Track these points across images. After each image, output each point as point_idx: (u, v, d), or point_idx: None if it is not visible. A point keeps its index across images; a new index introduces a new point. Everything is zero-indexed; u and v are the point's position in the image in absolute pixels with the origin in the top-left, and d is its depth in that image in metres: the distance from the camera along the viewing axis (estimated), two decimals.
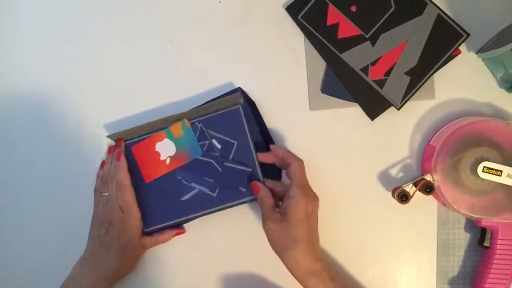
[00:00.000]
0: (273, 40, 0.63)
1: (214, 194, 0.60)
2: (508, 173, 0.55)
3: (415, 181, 0.59)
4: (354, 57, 0.62)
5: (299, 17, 0.62)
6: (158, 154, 0.61)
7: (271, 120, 0.63)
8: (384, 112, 0.62)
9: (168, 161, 0.61)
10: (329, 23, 0.62)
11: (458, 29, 0.61)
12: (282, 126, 0.63)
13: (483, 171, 0.56)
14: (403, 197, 0.59)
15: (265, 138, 0.62)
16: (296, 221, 0.54)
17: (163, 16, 0.64)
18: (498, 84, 0.62)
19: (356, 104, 0.63)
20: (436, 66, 0.61)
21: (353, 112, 0.63)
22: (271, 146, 0.60)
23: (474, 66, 0.62)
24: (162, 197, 0.61)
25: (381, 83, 0.62)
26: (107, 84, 0.64)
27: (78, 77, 0.65)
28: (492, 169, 0.56)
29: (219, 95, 0.62)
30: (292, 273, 0.55)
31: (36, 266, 0.64)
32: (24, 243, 0.65)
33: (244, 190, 0.60)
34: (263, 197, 0.57)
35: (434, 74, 0.61)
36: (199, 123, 0.61)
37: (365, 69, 0.62)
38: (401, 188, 0.59)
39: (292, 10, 0.62)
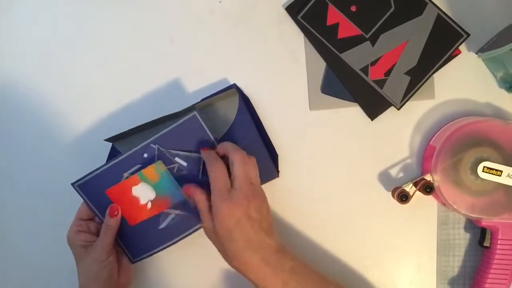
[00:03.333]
0: (273, 40, 0.63)
1: (191, 214, 0.59)
2: (508, 173, 0.55)
3: (415, 181, 0.59)
4: (354, 57, 0.62)
5: (299, 17, 0.62)
6: (136, 198, 0.58)
7: (271, 120, 0.63)
8: (384, 112, 0.62)
9: (149, 206, 0.59)
10: (329, 23, 0.62)
11: (458, 29, 0.61)
12: (282, 126, 0.63)
13: (483, 171, 0.56)
14: (403, 197, 0.59)
15: (261, 134, 0.62)
16: (222, 233, 0.51)
17: (163, 16, 0.64)
18: (498, 84, 0.62)
19: (356, 104, 0.63)
20: (436, 66, 0.61)
21: (353, 112, 0.63)
22: (220, 144, 0.57)
23: (474, 66, 0.62)
24: (142, 231, 0.60)
25: (381, 83, 0.62)
26: (107, 84, 0.64)
27: (77, 77, 0.65)
28: (492, 169, 0.56)
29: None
30: (245, 274, 0.53)
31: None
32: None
33: None
34: (200, 199, 0.54)
35: (434, 74, 0.61)
36: (154, 144, 0.58)
37: (365, 69, 0.62)
38: (401, 188, 0.59)
39: (292, 10, 0.62)
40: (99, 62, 0.64)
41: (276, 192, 0.62)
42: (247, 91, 0.63)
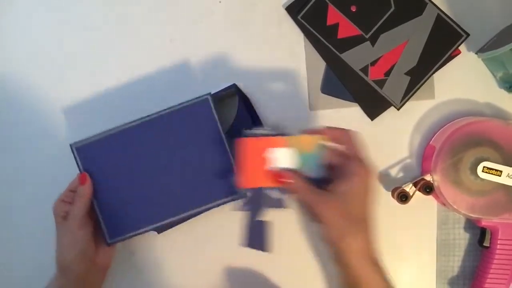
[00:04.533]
0: (273, 40, 0.63)
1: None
2: (508, 173, 0.55)
3: (415, 181, 0.59)
4: (354, 57, 0.62)
5: (299, 17, 0.62)
6: (267, 161, 0.51)
7: (271, 120, 0.63)
8: (384, 112, 0.62)
9: (276, 174, 0.51)
10: (329, 23, 0.62)
11: (458, 29, 0.61)
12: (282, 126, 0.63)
13: (483, 171, 0.56)
14: (403, 197, 0.59)
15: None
16: (360, 200, 0.47)
17: (163, 16, 0.64)
18: (498, 84, 0.62)
19: (356, 104, 0.63)
20: (436, 66, 0.61)
21: (353, 112, 0.63)
22: (313, 129, 0.51)
23: (474, 66, 0.62)
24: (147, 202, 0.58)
25: (381, 83, 0.62)
26: (107, 84, 0.64)
27: (76, 77, 0.65)
28: (492, 169, 0.56)
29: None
30: (349, 259, 0.47)
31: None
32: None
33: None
34: (295, 185, 0.49)
35: (434, 74, 0.61)
36: (160, 119, 0.58)
37: (365, 69, 0.62)
38: (401, 188, 0.59)
39: (292, 10, 0.62)
40: (98, 62, 0.64)
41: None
42: (247, 91, 0.63)
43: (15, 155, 0.65)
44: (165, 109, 0.58)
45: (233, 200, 0.58)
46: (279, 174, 0.50)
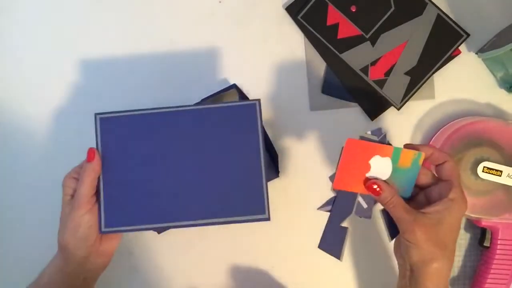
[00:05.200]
0: (273, 40, 0.63)
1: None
2: (508, 173, 0.55)
3: None
4: (354, 57, 0.62)
5: (299, 17, 0.62)
6: (367, 168, 0.49)
7: (271, 121, 0.63)
8: (384, 112, 0.62)
9: (368, 183, 0.49)
10: (329, 23, 0.62)
11: (458, 29, 0.61)
12: (282, 127, 0.63)
13: (483, 171, 0.56)
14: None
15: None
16: (452, 228, 0.47)
17: (163, 16, 0.64)
18: (498, 84, 0.62)
19: (356, 104, 0.63)
20: (436, 66, 0.61)
21: (353, 112, 0.63)
22: (416, 145, 0.50)
23: (474, 66, 0.62)
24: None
25: (381, 83, 0.62)
26: (106, 84, 0.64)
27: (76, 77, 0.65)
28: (492, 169, 0.56)
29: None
30: (428, 282, 0.47)
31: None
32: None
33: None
34: (391, 198, 0.48)
35: (434, 74, 0.61)
36: (200, 109, 0.53)
37: (365, 69, 0.62)
38: None
39: (292, 10, 0.62)
40: (98, 62, 0.64)
41: (276, 192, 0.62)
42: (247, 91, 0.63)
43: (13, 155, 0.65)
44: (205, 104, 0.55)
45: (253, 220, 0.53)
46: (376, 184, 0.48)
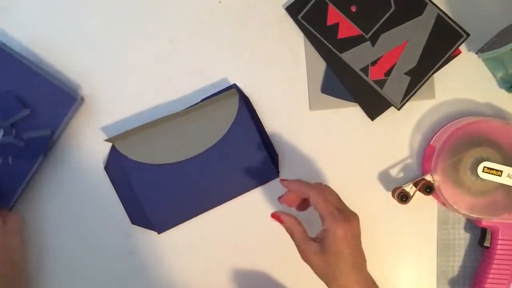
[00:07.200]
0: (273, 40, 0.63)
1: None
2: (508, 173, 0.55)
3: (415, 181, 0.59)
4: (354, 57, 0.62)
5: (299, 17, 0.62)
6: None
7: (271, 121, 0.63)
8: (384, 112, 0.62)
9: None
10: (329, 23, 0.62)
11: (458, 29, 0.61)
12: (282, 127, 0.63)
13: (483, 171, 0.56)
14: (403, 197, 0.59)
15: (261, 134, 0.62)
16: (337, 253, 0.50)
17: (163, 16, 0.64)
18: (498, 84, 0.62)
19: (356, 104, 0.63)
20: (436, 66, 0.61)
21: (353, 112, 0.63)
22: (282, 183, 0.56)
23: (474, 66, 0.62)
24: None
25: (381, 83, 0.62)
26: (106, 83, 0.64)
27: (76, 77, 0.64)
28: (492, 169, 0.56)
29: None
30: None
31: None
32: None
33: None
34: (290, 226, 0.53)
35: (434, 74, 0.61)
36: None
37: (365, 69, 0.62)
38: (401, 188, 0.59)
39: (292, 10, 0.62)
40: (98, 62, 0.64)
41: (276, 192, 0.62)
42: (247, 91, 0.63)
43: None
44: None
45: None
46: (282, 215, 0.54)
